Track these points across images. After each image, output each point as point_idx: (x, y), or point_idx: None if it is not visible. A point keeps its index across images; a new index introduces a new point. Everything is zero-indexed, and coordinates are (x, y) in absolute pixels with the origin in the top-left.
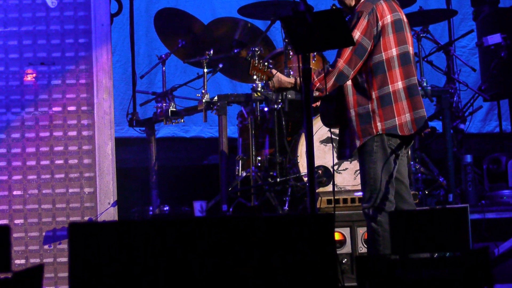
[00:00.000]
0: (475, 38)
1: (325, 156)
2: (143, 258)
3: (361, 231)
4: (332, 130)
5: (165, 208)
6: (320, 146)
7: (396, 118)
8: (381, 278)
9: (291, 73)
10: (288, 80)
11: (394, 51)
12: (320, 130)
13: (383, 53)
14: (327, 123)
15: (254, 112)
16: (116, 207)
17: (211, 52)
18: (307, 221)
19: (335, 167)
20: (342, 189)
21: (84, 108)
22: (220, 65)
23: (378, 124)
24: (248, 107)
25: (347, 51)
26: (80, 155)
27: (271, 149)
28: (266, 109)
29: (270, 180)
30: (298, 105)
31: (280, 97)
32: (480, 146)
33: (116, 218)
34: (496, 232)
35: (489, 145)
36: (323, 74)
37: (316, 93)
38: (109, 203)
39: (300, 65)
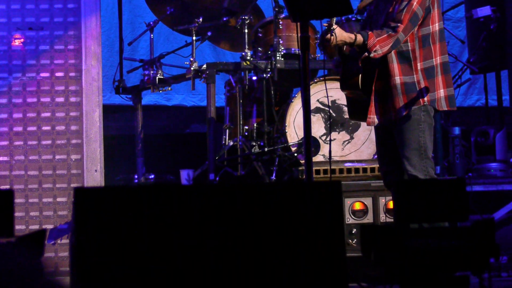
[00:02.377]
0: (460, 11)
1: (313, 126)
2: (147, 223)
3: (348, 202)
4: (320, 100)
5: (150, 177)
6: None
7: (436, 92)
8: (387, 247)
9: (281, 42)
10: (349, 34)
11: (437, 26)
12: None
13: (430, 26)
14: (345, 86)
15: (242, 81)
16: (103, 174)
17: (200, 19)
18: (316, 188)
19: (323, 138)
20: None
21: (72, 74)
22: (209, 33)
23: (425, 94)
24: (236, 75)
25: (407, 18)
26: (67, 122)
27: (258, 118)
28: (254, 78)
29: (257, 149)
30: (287, 74)
31: (269, 66)
32: (462, 119)
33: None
34: (483, 205)
35: (471, 118)
36: (384, 36)
37: (372, 54)
38: (95, 170)
39: (299, 33)
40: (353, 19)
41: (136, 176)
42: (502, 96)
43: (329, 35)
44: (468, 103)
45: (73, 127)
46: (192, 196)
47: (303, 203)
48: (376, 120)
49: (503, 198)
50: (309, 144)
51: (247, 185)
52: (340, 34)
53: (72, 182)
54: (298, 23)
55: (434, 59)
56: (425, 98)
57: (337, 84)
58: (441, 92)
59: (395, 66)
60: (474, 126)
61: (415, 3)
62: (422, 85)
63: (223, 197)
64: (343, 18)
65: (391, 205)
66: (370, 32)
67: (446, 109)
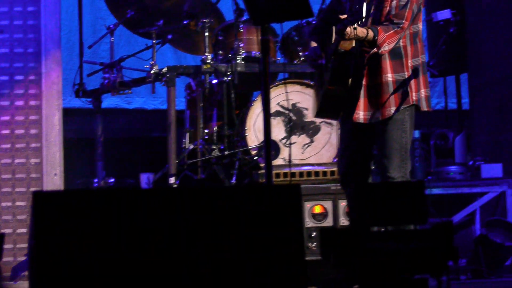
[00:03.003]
0: None
1: (273, 129)
2: (107, 227)
3: (308, 205)
4: (281, 104)
5: (110, 181)
6: None
7: (420, 92)
8: (346, 250)
9: (241, 45)
10: (362, 29)
11: (421, 25)
12: None
13: (418, 24)
14: (336, 82)
15: (202, 84)
16: (62, 178)
17: (161, 23)
18: (275, 191)
19: (283, 141)
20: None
21: (31, 77)
22: (169, 37)
23: (413, 94)
24: (197, 79)
25: (410, 15)
26: (27, 125)
27: (219, 122)
28: (215, 81)
29: (217, 153)
30: (247, 78)
31: (230, 70)
32: (422, 122)
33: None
34: (442, 208)
35: (430, 121)
36: (391, 32)
37: (381, 50)
38: (55, 174)
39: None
40: (314, 22)
41: (96, 180)
42: (461, 99)
43: (349, 28)
44: None
45: (32, 131)
46: (152, 199)
47: (262, 207)
48: (361, 117)
49: (462, 201)
50: (269, 147)
51: (207, 188)
52: (357, 29)
53: (31, 186)
54: (260, 26)
55: (419, 57)
56: (414, 97)
57: (297, 87)
58: (422, 93)
59: (387, 63)
60: (433, 129)
61: (414, 1)
62: (412, 83)
63: (183, 200)
64: (303, 22)
65: None
66: (379, 28)
67: (426, 109)
